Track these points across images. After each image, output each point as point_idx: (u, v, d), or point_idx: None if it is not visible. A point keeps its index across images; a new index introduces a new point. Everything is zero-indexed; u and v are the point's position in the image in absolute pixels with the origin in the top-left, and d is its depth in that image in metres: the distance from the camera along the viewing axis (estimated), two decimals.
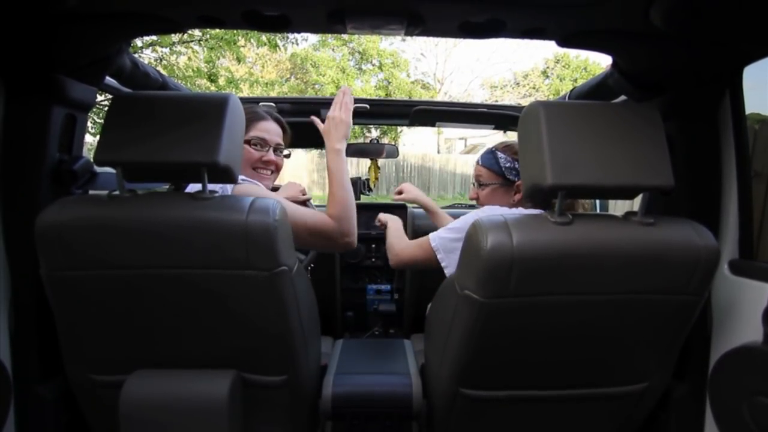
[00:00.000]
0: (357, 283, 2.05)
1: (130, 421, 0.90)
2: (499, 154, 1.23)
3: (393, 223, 1.50)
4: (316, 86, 14.14)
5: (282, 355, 0.94)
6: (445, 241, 1.15)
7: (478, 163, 1.28)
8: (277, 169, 1.26)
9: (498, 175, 1.22)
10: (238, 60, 6.99)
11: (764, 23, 0.80)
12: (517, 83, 16.30)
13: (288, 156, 1.33)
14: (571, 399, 0.99)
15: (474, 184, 1.30)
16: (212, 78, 6.97)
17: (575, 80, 14.42)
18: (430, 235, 1.19)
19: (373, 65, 14.94)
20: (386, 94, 14.35)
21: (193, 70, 6.83)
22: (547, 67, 15.77)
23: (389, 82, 14.66)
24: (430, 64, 20.44)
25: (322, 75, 13.83)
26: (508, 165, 1.21)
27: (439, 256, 1.15)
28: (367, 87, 14.34)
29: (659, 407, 1.06)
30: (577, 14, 0.85)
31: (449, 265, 1.14)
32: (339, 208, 1.07)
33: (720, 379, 0.94)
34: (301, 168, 12.65)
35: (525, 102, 15.04)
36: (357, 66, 14.89)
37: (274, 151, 1.24)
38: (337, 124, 1.12)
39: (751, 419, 0.87)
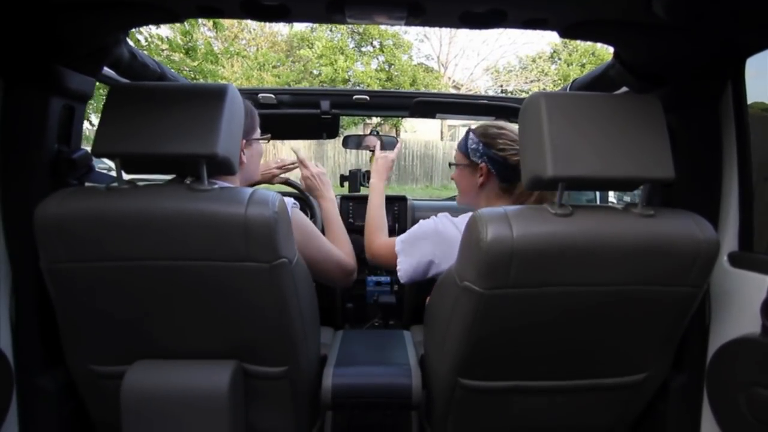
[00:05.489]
0: (357, 274, 2.05)
1: (131, 411, 0.91)
2: (470, 135, 1.18)
3: (377, 196, 1.44)
4: (314, 72, 13.77)
5: (282, 346, 0.95)
6: (405, 244, 1.17)
7: None
8: None
9: (464, 156, 1.19)
10: (215, 26, 6.70)
11: (767, 14, 0.79)
12: (524, 67, 15.99)
13: None
14: (569, 389, 0.99)
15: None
16: (189, 53, 6.80)
17: (583, 65, 14.16)
18: (396, 239, 1.20)
19: (374, 47, 14.38)
20: (388, 77, 13.86)
21: (165, 40, 6.50)
22: (554, 51, 15.48)
23: (391, 65, 14.07)
24: (434, 46, 19.95)
25: (319, 57, 13.29)
26: (473, 146, 1.16)
27: (399, 259, 1.16)
28: (368, 70, 13.82)
29: (657, 398, 1.07)
30: (578, 5, 0.84)
31: (402, 269, 1.15)
32: (348, 248, 1.31)
33: (718, 370, 0.95)
34: None
35: (532, 87, 14.81)
36: (357, 47, 14.30)
37: None
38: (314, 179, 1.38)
39: (748, 410, 0.88)
